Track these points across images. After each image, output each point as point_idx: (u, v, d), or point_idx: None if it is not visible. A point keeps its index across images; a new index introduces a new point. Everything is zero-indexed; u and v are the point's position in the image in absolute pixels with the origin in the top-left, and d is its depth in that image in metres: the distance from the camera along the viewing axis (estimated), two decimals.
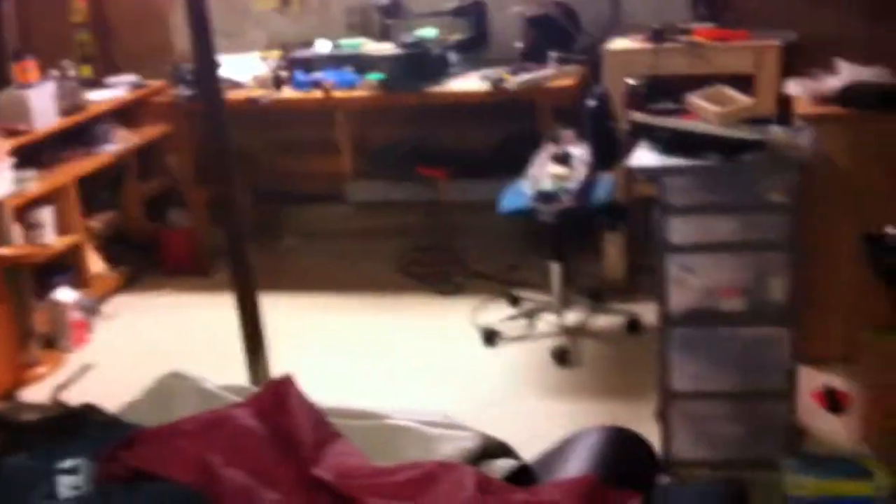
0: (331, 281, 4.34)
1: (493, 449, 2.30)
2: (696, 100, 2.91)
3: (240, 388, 2.65)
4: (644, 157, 2.78)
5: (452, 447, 2.26)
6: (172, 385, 2.63)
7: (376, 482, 2.19)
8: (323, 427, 2.34)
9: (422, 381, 3.43)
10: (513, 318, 3.76)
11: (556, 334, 3.59)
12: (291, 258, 4.66)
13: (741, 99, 2.94)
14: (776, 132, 2.72)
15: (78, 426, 2.49)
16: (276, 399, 2.37)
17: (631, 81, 3.69)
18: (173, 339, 3.93)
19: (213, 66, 3.01)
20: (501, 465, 2.25)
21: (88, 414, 2.53)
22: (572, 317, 3.71)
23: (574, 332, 3.63)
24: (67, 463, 2.26)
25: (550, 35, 4.12)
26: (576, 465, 2.13)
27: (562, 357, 3.45)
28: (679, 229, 2.68)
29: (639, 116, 2.99)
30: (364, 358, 3.65)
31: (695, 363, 2.75)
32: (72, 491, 2.21)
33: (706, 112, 2.85)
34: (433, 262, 4.37)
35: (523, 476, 2.24)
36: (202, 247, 4.55)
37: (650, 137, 2.85)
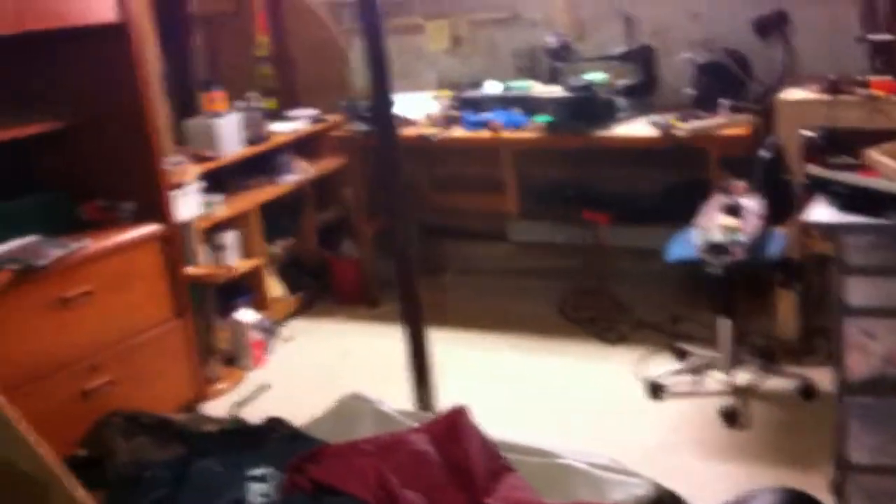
0: (489, 318, 4.39)
1: (666, 499, 2.27)
2: (876, 155, 2.85)
3: (415, 414, 2.74)
4: (821, 212, 2.72)
5: (624, 492, 2.24)
6: (353, 405, 2.75)
7: None
8: (496, 459, 2.37)
9: (581, 428, 3.42)
10: (679, 372, 3.69)
11: (725, 393, 3.48)
12: (451, 293, 4.74)
13: None
14: None
15: (264, 438, 2.62)
16: (451, 428, 2.41)
17: (808, 133, 3.62)
18: (343, 364, 4.09)
19: (390, 104, 3.12)
20: None
21: (275, 427, 2.66)
22: (742, 376, 3.58)
23: (744, 392, 3.51)
24: (257, 471, 2.37)
25: (722, 83, 4.07)
26: None
27: (731, 417, 3.35)
28: (858, 291, 2.59)
29: (816, 170, 2.93)
30: (522, 398, 3.68)
31: (874, 435, 2.62)
32: (260, 498, 2.29)
33: (888, 168, 2.78)
34: (594, 307, 4.37)
35: None
36: (369, 277, 4.70)
37: (828, 192, 2.79)
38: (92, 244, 3.32)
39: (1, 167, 3.49)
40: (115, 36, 3.42)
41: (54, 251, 3.19)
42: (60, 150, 3.60)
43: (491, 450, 2.40)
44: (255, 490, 2.31)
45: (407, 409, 2.79)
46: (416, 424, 2.57)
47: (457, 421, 2.43)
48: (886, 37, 3.82)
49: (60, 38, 3.35)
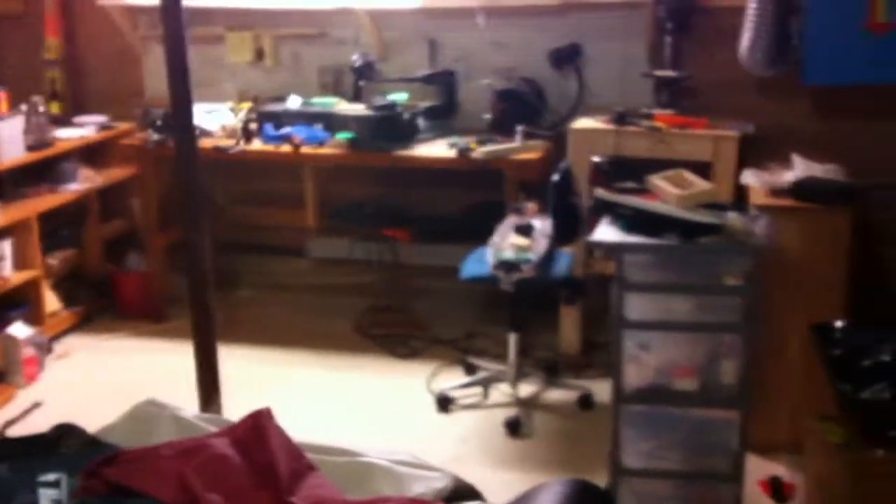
0: (285, 335, 4.34)
1: (463, 491, 2.33)
2: (657, 181, 3.00)
3: (215, 419, 2.64)
4: (605, 233, 2.86)
5: (424, 486, 2.28)
6: (149, 411, 2.61)
7: None
8: (299, 460, 2.34)
9: (373, 442, 3.41)
10: (467, 385, 3.79)
11: (510, 405, 3.61)
12: (247, 309, 4.65)
13: (701, 183, 3.01)
14: (733, 218, 2.80)
15: (56, 444, 2.48)
16: (253, 430, 2.37)
17: (596, 159, 3.79)
18: (124, 381, 3.89)
19: (190, 114, 3.03)
20: None
21: (67, 433, 2.51)
22: (526, 388, 3.73)
23: (527, 403, 3.66)
24: (50, 477, 2.25)
25: (518, 109, 4.20)
26: None
27: (514, 428, 3.48)
28: (636, 306, 2.74)
29: (602, 193, 3.06)
30: (314, 414, 3.63)
31: (646, 441, 2.79)
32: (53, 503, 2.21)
33: (667, 193, 2.93)
34: (391, 323, 4.40)
35: None
36: (157, 292, 4.54)
37: (612, 214, 2.93)
38: None
39: None
40: None
41: None
42: None
43: (294, 450, 2.36)
44: (48, 496, 2.21)
45: (207, 415, 2.69)
46: (215, 429, 2.48)
47: (260, 423, 2.38)
48: (670, 73, 4.07)
49: None
